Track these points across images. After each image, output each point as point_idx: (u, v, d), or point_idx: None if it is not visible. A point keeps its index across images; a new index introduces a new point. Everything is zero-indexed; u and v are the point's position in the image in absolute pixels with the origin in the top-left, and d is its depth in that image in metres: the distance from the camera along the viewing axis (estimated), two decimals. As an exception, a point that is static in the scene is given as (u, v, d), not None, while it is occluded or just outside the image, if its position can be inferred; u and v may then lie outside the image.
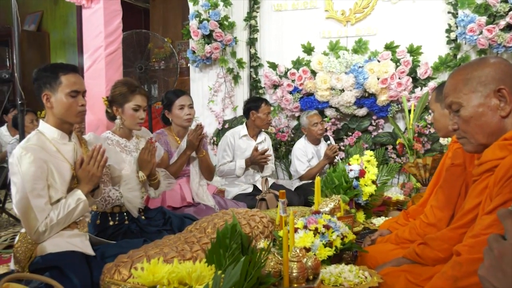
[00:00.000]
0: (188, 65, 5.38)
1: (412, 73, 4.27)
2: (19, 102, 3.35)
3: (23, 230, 1.93)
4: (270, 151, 3.80)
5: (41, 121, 2.02)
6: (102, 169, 2.00)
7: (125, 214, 2.45)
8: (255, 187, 3.69)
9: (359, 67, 4.28)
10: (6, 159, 4.14)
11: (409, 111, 4.00)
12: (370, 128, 4.52)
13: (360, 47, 4.48)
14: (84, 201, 1.96)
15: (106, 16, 3.40)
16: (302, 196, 3.57)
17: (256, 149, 3.57)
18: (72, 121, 2.01)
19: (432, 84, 4.19)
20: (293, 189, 3.92)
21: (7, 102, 5.95)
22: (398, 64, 4.28)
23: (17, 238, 1.95)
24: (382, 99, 4.28)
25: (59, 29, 7.41)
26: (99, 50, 3.40)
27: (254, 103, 3.73)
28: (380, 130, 4.52)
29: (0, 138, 5.27)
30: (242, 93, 5.02)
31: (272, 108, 4.88)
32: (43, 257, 1.84)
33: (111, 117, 2.55)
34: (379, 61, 4.32)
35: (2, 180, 3.96)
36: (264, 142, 3.83)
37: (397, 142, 4.14)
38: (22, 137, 3.30)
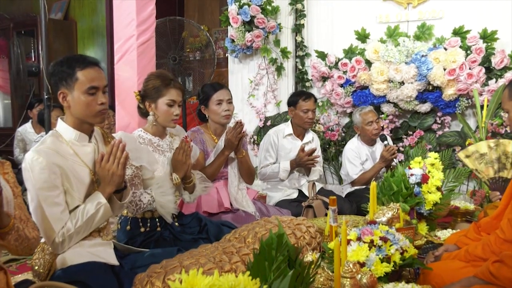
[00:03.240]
0: (226, 55, 5.43)
1: (486, 62, 4.13)
2: (46, 96, 3.49)
3: (43, 240, 1.97)
4: (318, 152, 3.79)
5: (59, 120, 2.03)
6: (123, 166, 1.97)
7: (157, 220, 2.51)
8: (300, 192, 3.69)
9: (422, 56, 4.19)
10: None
11: (482, 106, 3.89)
12: (435, 126, 4.42)
13: (423, 32, 4.39)
14: (105, 204, 1.95)
15: (138, 3, 3.48)
16: (354, 204, 3.54)
17: (302, 149, 3.56)
18: (91, 121, 2.01)
19: (509, 75, 4.04)
20: (343, 196, 3.89)
21: (32, 96, 6.22)
22: (468, 52, 4.16)
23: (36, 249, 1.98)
24: (449, 92, 4.18)
25: (87, 17, 7.67)
26: (131, 40, 3.48)
27: (291, 97, 3.77)
28: (446, 129, 4.41)
29: (25, 136, 5.48)
30: (287, 86, 5.02)
31: (320, 103, 4.88)
32: (64, 270, 1.88)
33: (143, 113, 2.61)
34: (445, 49, 4.21)
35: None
36: (312, 142, 3.81)
37: (467, 142, 4.03)
38: (48, 134, 3.43)
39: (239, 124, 2.97)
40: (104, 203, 1.95)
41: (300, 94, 3.75)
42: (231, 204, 3.07)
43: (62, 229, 1.87)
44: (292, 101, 3.73)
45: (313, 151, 3.56)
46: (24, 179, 1.86)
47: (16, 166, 5.34)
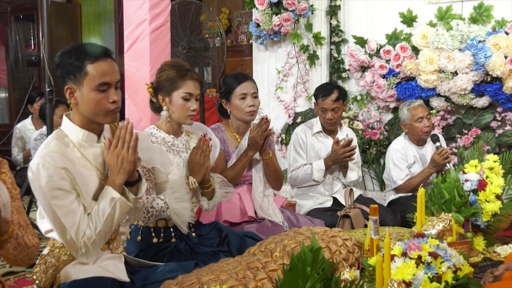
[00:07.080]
0: (251, 42, 5.46)
1: (555, 49, 4.07)
2: (47, 89, 3.56)
3: (45, 251, 2.01)
4: (356, 147, 3.70)
5: (64, 117, 2.03)
6: (133, 151, 1.97)
7: (171, 229, 2.53)
8: (335, 200, 3.67)
9: (479, 41, 4.15)
10: (30, 158, 4.41)
11: (550, 101, 3.83)
12: (494, 124, 4.38)
13: (480, 14, 4.34)
14: (119, 199, 1.94)
15: (151, -18, 3.52)
16: (398, 214, 3.52)
17: (337, 141, 3.50)
18: (101, 121, 2.02)
19: None
20: (385, 204, 3.88)
21: (32, 89, 6.31)
22: (534, 37, 4.10)
23: (37, 261, 2.01)
24: (511, 85, 4.11)
25: (94, -1, 7.79)
26: (143, 25, 3.51)
27: (315, 91, 3.76)
28: (508, 127, 4.35)
29: (24, 133, 5.54)
30: (320, 77, 5.02)
31: (359, 97, 4.85)
32: (67, 285, 1.91)
33: (156, 108, 2.64)
34: (507, 33, 4.17)
35: (26, 185, 4.20)
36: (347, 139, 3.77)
37: (532, 143, 3.97)
38: (49, 132, 3.49)
39: (265, 121, 2.96)
40: (118, 197, 1.94)
41: (320, 89, 3.69)
42: (255, 213, 3.07)
43: (82, 238, 1.88)
44: (314, 96, 3.72)
45: (350, 141, 3.49)
46: (33, 190, 1.88)
47: (14, 167, 5.42)
